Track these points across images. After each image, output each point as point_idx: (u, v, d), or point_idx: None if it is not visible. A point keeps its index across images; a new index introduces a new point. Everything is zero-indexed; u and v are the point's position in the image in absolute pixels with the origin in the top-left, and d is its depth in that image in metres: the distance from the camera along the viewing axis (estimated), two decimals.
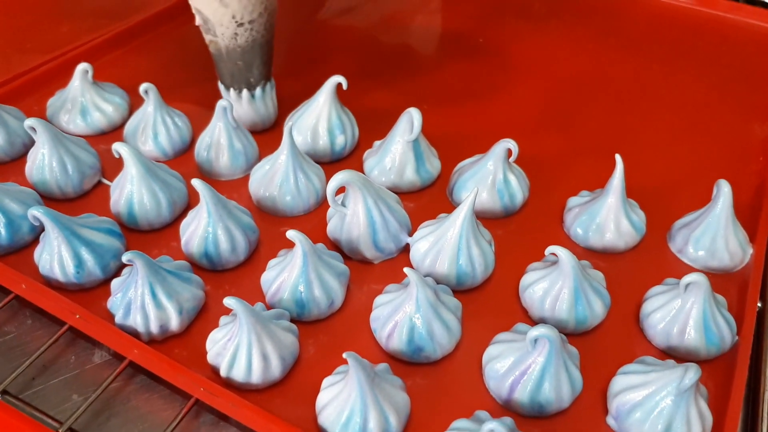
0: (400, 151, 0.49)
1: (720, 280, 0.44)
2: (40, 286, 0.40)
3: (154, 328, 0.38)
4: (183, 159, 0.51)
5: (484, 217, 0.48)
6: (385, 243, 0.44)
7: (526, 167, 0.50)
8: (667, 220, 0.48)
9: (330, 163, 0.52)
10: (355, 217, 0.43)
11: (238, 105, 0.52)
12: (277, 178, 0.46)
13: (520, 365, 0.36)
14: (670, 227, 0.47)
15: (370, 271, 0.44)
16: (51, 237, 0.40)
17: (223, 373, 0.36)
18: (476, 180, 0.47)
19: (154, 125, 0.50)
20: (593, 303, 0.40)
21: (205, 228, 0.42)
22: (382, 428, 0.34)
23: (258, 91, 0.52)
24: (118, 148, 0.44)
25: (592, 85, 0.63)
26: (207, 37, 0.49)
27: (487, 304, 0.42)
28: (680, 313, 0.39)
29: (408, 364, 0.39)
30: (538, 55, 0.67)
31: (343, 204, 0.43)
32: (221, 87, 0.52)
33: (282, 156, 0.46)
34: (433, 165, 0.50)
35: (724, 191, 0.44)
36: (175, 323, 0.39)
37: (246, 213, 0.44)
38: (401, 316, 0.38)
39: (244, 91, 0.51)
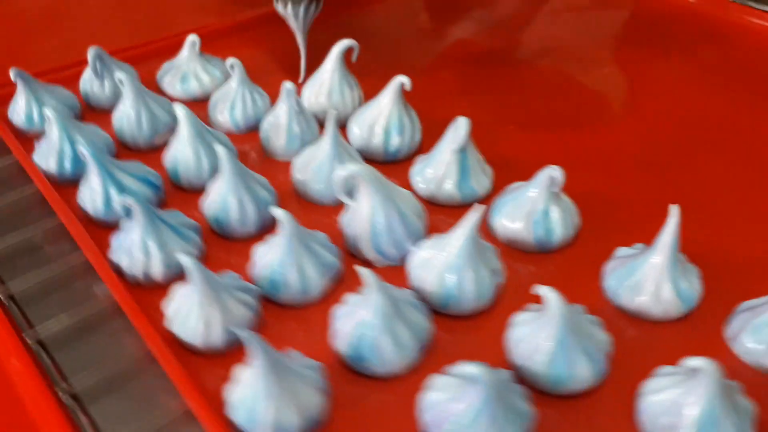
0: (445, 162, 0.46)
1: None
2: (69, 213, 0.44)
3: (138, 272, 0.40)
4: (253, 135, 0.53)
5: (515, 248, 0.43)
6: (386, 247, 0.41)
7: (588, 206, 0.44)
8: (736, 299, 0.39)
9: (382, 163, 0.50)
10: (359, 213, 0.41)
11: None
12: (313, 164, 0.46)
13: (453, 404, 0.32)
14: (735, 308, 0.39)
15: None
16: (90, 173, 0.44)
17: (168, 326, 0.37)
18: (514, 205, 0.43)
19: (234, 99, 0.53)
20: (577, 363, 0.34)
21: (220, 194, 0.43)
22: (275, 419, 0.32)
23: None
24: (175, 107, 0.47)
25: (693, 125, 0.55)
26: None
27: (467, 335, 0.38)
28: (675, 405, 0.32)
29: (355, 373, 0.36)
30: (639, 87, 0.60)
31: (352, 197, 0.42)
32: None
33: (324, 144, 0.46)
34: (480, 183, 0.46)
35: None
36: (158, 273, 0.40)
37: (269, 191, 0.45)
38: (353, 318, 0.35)
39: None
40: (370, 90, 0.53)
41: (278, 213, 0.38)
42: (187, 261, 0.35)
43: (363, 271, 0.34)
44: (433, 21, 0.73)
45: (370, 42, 0.62)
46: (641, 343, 0.37)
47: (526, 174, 0.45)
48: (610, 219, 0.45)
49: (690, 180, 0.50)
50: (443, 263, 0.38)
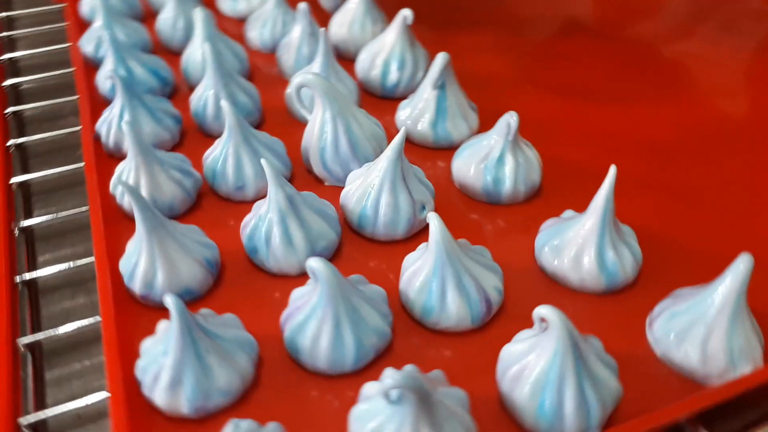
0: (424, 99, 0.45)
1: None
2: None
3: (111, 144, 0.44)
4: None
5: (465, 193, 0.42)
6: (332, 164, 0.41)
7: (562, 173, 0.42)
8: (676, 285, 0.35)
9: (380, 97, 0.50)
10: (312, 125, 0.42)
11: None
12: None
13: (305, 299, 0.32)
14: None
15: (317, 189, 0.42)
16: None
17: None
18: (472, 151, 0.41)
19: (266, 19, 0.55)
20: (449, 298, 0.33)
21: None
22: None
23: None
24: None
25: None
26: None
27: (371, 256, 0.38)
28: (522, 355, 0.30)
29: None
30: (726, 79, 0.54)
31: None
32: None
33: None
34: (458, 128, 0.45)
35: (738, 268, 0.31)
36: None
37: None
38: (259, 212, 0.36)
39: None
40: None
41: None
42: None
43: (265, 165, 0.35)
44: None
45: None
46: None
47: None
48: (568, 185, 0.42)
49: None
50: (365, 184, 0.38)
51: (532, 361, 0.29)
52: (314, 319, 0.31)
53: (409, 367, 0.29)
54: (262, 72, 0.54)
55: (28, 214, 0.43)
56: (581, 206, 0.37)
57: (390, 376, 0.25)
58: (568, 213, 0.38)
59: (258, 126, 0.47)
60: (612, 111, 0.50)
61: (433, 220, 0.33)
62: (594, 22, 0.63)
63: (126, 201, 0.39)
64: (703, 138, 0.48)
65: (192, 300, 0.35)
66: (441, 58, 0.43)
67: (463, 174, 0.41)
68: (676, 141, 0.47)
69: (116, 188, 0.40)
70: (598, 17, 0.64)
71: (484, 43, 0.58)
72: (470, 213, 0.41)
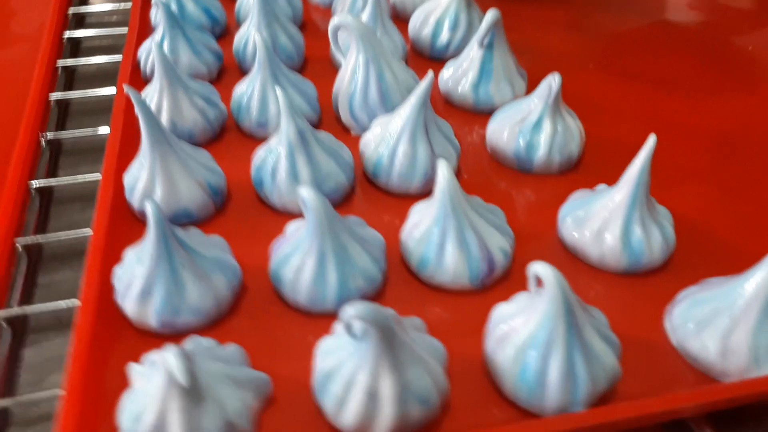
0: (469, 59, 0.42)
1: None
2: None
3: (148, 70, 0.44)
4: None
5: (495, 159, 0.39)
6: (359, 112, 0.40)
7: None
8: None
9: (429, 59, 0.48)
10: (344, 69, 0.40)
11: None
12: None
13: (292, 235, 0.30)
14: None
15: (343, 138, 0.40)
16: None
17: None
18: (509, 113, 0.39)
19: None
20: (448, 252, 0.30)
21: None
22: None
23: None
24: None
25: None
26: None
27: (385, 210, 0.36)
28: (512, 316, 0.27)
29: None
30: None
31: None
32: None
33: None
34: (501, 92, 0.42)
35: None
36: None
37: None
38: (270, 144, 0.35)
39: None
40: None
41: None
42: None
43: (280, 96, 0.33)
44: None
45: None
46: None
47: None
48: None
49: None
50: (385, 131, 0.36)
51: (521, 323, 0.26)
52: (300, 252, 0.29)
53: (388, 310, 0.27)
54: (316, 24, 0.52)
55: (60, 128, 0.44)
56: None
57: (352, 307, 0.23)
58: (602, 186, 0.35)
59: (298, 70, 0.46)
60: (676, 99, 0.46)
61: (442, 168, 0.30)
62: (670, 12, 0.59)
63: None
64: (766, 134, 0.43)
65: (190, 223, 0.34)
66: (491, 14, 0.40)
67: (496, 137, 0.39)
68: (739, 135, 0.43)
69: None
70: (673, 6, 0.59)
71: (553, 19, 0.55)
72: (498, 180, 0.38)
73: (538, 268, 0.25)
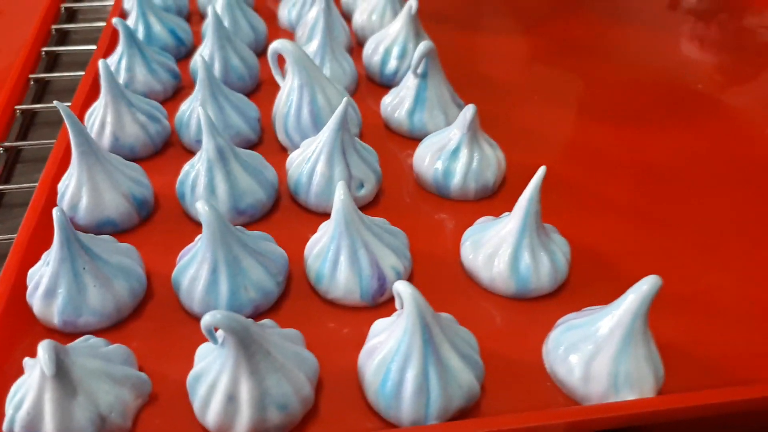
0: (407, 86, 0.44)
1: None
2: None
3: None
4: None
5: (417, 182, 0.41)
6: (293, 132, 0.42)
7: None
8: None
9: (379, 84, 0.50)
10: (282, 91, 0.42)
11: None
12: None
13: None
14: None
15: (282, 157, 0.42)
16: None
17: None
18: (434, 140, 0.40)
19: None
20: (340, 270, 0.32)
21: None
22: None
23: None
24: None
25: None
26: None
27: (299, 221, 0.38)
28: (379, 334, 0.28)
29: None
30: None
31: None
32: None
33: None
34: (435, 120, 0.44)
35: (641, 289, 0.28)
36: None
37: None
38: (193, 159, 0.37)
39: None
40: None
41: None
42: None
43: (202, 115, 0.35)
44: None
45: None
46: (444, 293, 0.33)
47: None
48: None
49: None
50: (307, 151, 0.38)
51: (386, 337, 0.28)
52: (195, 261, 0.31)
53: (267, 322, 0.29)
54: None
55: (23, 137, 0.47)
56: None
57: (211, 314, 0.25)
58: (506, 214, 0.36)
59: (249, 93, 0.48)
60: (609, 130, 0.47)
61: (338, 189, 0.32)
62: (622, 49, 0.60)
63: (95, 136, 0.41)
64: (695, 168, 0.44)
65: (114, 232, 0.36)
66: (423, 45, 0.42)
67: (419, 163, 0.40)
68: (664, 167, 0.44)
69: (87, 122, 0.42)
70: (625, 43, 0.60)
71: (504, 50, 0.57)
72: (417, 202, 0.40)
73: (398, 286, 0.27)
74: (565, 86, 0.53)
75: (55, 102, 0.35)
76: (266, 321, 0.30)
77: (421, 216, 0.39)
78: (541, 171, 0.33)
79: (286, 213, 0.39)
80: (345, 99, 0.36)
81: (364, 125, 0.46)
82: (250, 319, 0.26)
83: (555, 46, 0.58)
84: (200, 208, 0.30)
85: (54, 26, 0.59)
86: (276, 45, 0.41)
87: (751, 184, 0.43)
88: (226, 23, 0.51)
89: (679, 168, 0.44)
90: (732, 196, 0.42)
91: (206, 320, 0.25)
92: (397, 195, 0.40)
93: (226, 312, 0.25)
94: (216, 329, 0.26)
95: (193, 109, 0.42)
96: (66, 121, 0.34)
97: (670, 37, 0.60)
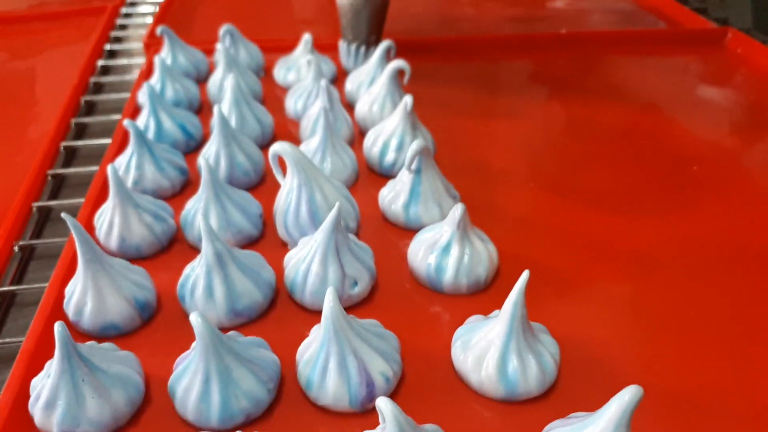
0: (402, 180, 0.46)
1: None
2: None
3: None
4: None
5: (413, 277, 0.42)
6: (292, 229, 0.43)
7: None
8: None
9: (378, 175, 0.52)
10: (282, 190, 0.44)
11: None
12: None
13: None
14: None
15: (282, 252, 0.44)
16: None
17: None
18: (427, 235, 0.42)
19: (303, 89, 0.59)
20: (327, 377, 0.33)
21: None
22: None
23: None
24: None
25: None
26: None
27: (295, 320, 0.39)
28: None
29: None
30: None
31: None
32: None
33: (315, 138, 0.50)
34: (430, 212, 0.45)
35: (623, 399, 0.28)
36: None
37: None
38: (194, 263, 0.39)
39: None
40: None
41: (201, 163, 0.43)
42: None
43: (202, 223, 0.37)
44: None
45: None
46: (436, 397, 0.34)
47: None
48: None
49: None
50: (303, 251, 0.39)
51: None
52: (189, 371, 0.32)
53: None
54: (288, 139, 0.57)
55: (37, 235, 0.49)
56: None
57: None
58: (495, 312, 0.37)
59: (254, 187, 0.50)
60: (604, 220, 0.48)
61: (328, 296, 0.33)
62: (618, 127, 0.61)
63: (103, 238, 0.43)
64: (688, 257, 0.44)
65: (117, 335, 0.38)
66: (415, 144, 0.44)
67: (412, 257, 0.41)
68: (661, 254, 0.44)
69: (96, 222, 0.44)
70: (619, 124, 0.62)
71: (502, 135, 0.58)
72: (411, 296, 0.41)
73: (380, 404, 0.28)
74: (561, 173, 0.54)
75: (63, 214, 0.37)
76: None
77: (415, 311, 0.40)
78: (525, 276, 0.33)
79: (283, 311, 0.40)
80: (338, 203, 0.38)
81: (364, 215, 0.47)
82: None
83: (553, 130, 0.59)
84: (193, 321, 0.31)
85: (73, 120, 0.62)
86: (276, 147, 0.43)
87: (749, 269, 0.43)
88: (233, 119, 0.53)
89: (674, 254, 0.44)
90: (728, 284, 0.42)
91: None
92: (392, 289, 0.41)
93: None
94: None
95: (197, 210, 0.43)
96: (72, 231, 0.36)
97: (664, 119, 0.61)
